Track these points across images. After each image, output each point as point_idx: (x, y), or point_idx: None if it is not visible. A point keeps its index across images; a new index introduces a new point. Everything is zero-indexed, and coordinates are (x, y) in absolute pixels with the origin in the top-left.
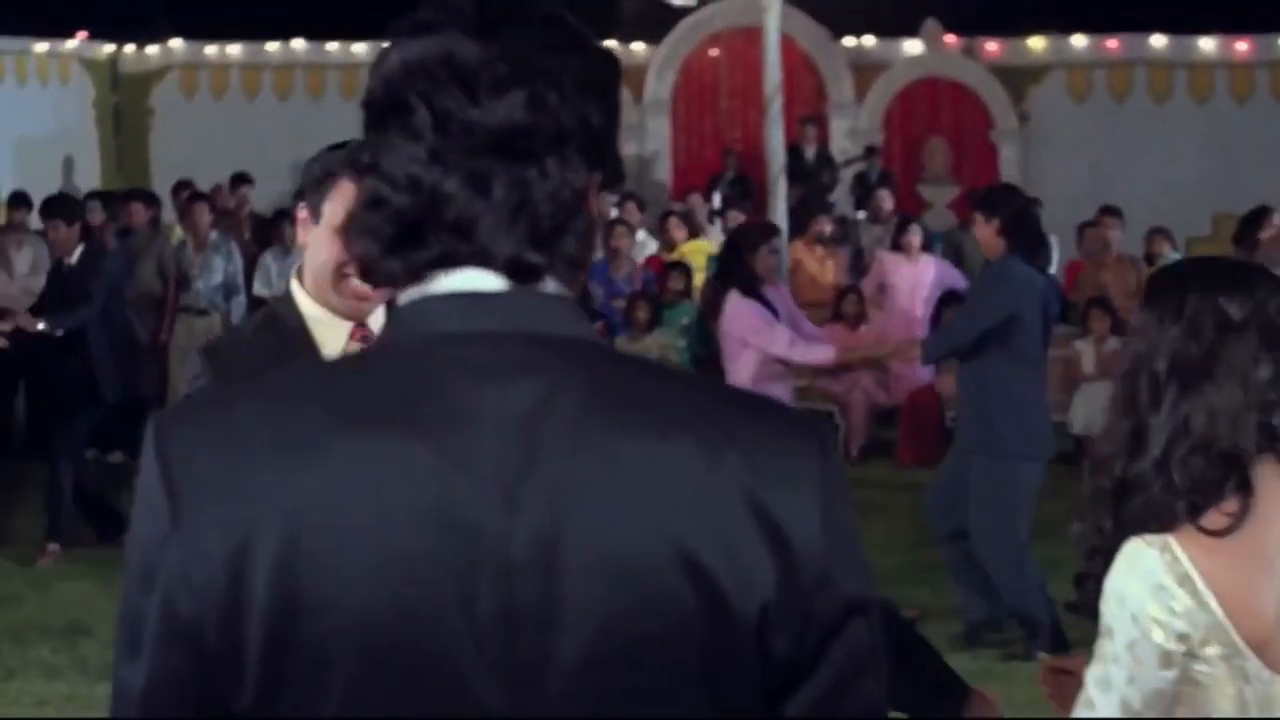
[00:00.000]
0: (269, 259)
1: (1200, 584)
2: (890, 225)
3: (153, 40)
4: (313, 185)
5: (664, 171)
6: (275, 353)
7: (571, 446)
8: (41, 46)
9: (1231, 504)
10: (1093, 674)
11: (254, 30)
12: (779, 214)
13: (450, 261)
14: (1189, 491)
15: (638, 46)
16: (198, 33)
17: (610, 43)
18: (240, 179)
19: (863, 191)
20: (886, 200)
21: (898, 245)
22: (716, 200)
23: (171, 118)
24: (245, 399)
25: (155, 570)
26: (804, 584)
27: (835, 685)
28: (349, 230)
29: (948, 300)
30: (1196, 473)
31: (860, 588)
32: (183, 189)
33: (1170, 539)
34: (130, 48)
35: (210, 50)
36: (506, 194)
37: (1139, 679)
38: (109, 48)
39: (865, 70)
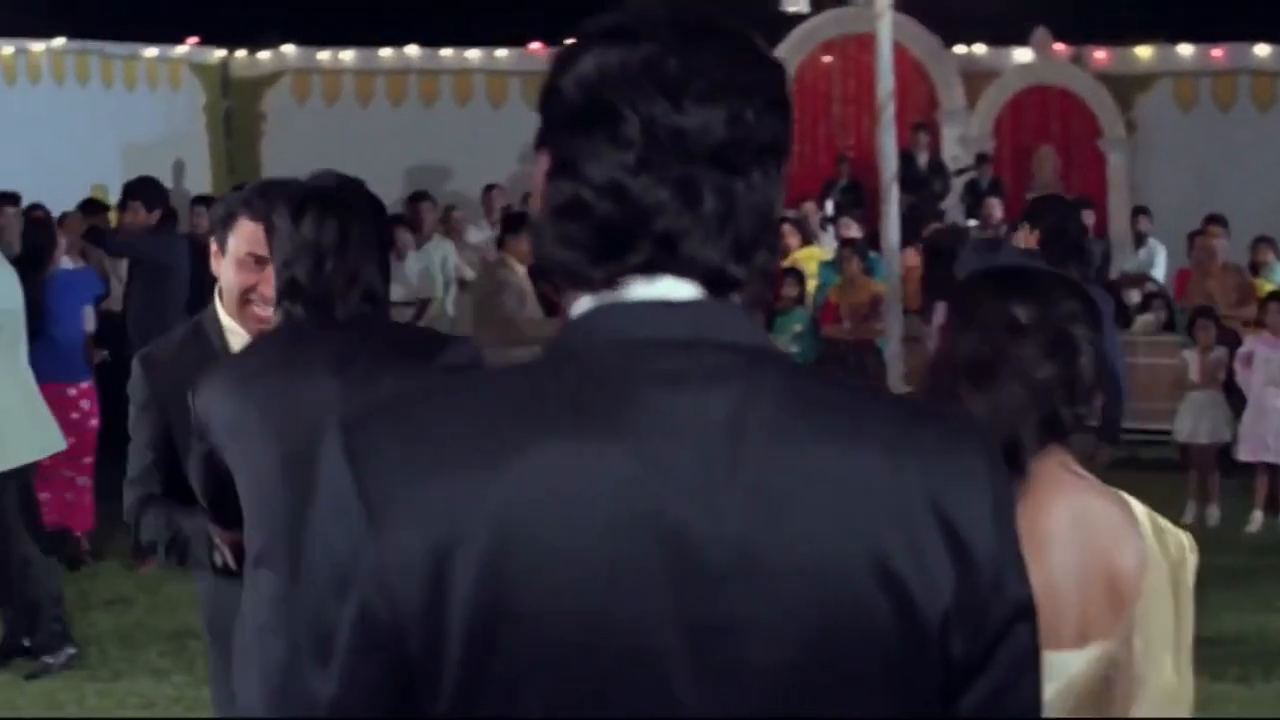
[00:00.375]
0: None
1: None
2: (1000, 232)
3: (265, 45)
4: (219, 225)
5: None
6: (198, 363)
7: (768, 455)
8: (151, 51)
9: None
10: None
11: (367, 35)
12: (891, 221)
13: (650, 269)
14: None
15: None
16: (310, 38)
17: None
18: None
19: (973, 199)
20: (997, 208)
21: None
22: (829, 207)
23: (283, 123)
24: (436, 401)
25: (348, 576)
26: (980, 588)
27: (1001, 686)
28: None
29: None
30: None
31: (1025, 590)
32: None
33: None
34: (241, 53)
35: (323, 55)
36: (715, 205)
37: None
38: (219, 53)
39: (976, 78)
